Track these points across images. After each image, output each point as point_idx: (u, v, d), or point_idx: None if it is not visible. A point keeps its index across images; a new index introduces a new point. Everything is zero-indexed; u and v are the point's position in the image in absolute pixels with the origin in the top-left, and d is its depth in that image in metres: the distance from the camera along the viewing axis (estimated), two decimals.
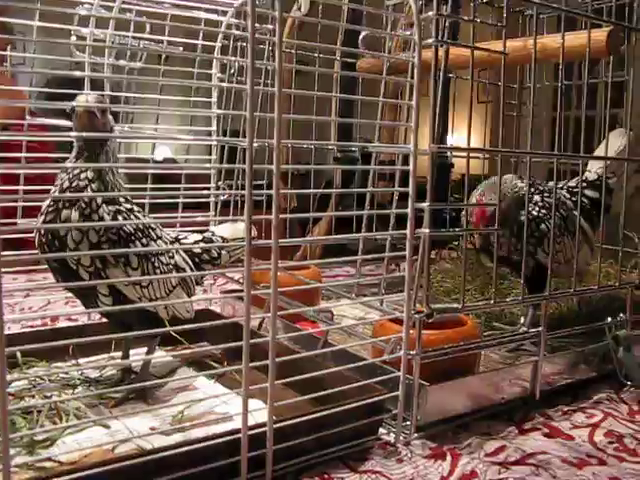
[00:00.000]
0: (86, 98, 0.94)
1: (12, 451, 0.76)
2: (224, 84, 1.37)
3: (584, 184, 1.36)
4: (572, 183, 1.40)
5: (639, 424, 1.07)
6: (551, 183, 1.38)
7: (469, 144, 0.96)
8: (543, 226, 1.25)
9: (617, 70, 1.52)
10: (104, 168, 0.96)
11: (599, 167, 1.36)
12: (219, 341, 1.23)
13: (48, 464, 0.82)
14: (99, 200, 0.94)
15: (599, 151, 1.36)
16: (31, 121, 1.24)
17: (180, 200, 1.35)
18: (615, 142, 1.32)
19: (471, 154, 1.29)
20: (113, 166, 0.97)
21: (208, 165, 1.46)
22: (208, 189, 1.43)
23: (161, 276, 1.00)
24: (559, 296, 1.16)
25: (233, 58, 1.31)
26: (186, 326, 0.96)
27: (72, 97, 0.95)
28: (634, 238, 1.50)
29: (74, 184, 0.94)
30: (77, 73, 1.18)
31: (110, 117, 0.98)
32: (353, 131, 2.07)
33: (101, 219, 0.93)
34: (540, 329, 1.09)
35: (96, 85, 1.23)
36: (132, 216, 0.98)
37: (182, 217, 1.33)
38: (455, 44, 0.94)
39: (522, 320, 1.34)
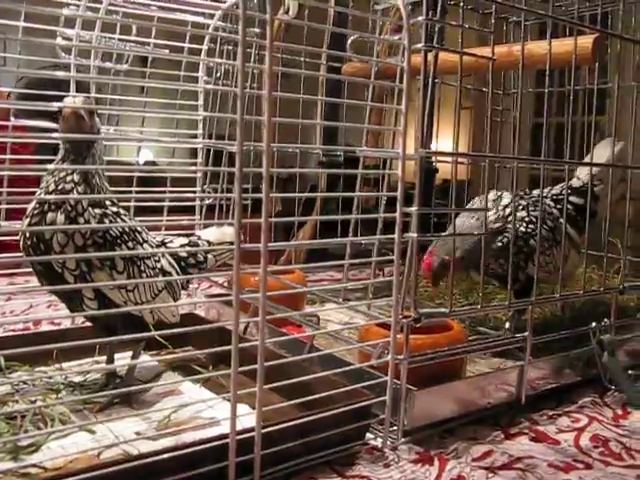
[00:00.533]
0: (73, 100, 0.93)
1: None
2: (210, 86, 1.36)
3: (569, 190, 1.37)
4: (556, 190, 1.41)
5: (624, 428, 1.08)
6: (536, 191, 1.39)
7: (456, 149, 0.96)
8: (532, 241, 1.26)
9: (599, 78, 1.55)
10: (90, 171, 0.95)
11: (587, 174, 1.37)
12: (204, 346, 1.21)
13: (33, 470, 0.81)
14: (85, 203, 0.93)
15: (587, 160, 1.37)
16: (15, 122, 1.22)
17: (165, 204, 1.34)
18: (604, 152, 1.34)
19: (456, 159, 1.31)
20: (100, 168, 0.96)
21: (194, 168, 1.45)
22: (194, 192, 1.42)
23: (147, 280, 0.99)
24: (545, 301, 1.17)
25: (220, 60, 1.31)
26: (172, 330, 0.96)
27: (53, 98, 0.94)
28: (617, 244, 1.51)
29: (60, 187, 0.93)
30: (60, 74, 1.16)
31: (97, 120, 0.97)
32: (338, 136, 2.07)
33: (87, 222, 0.92)
34: (526, 334, 1.10)
35: (80, 87, 1.22)
36: (118, 219, 0.98)
37: (168, 220, 1.32)
38: (444, 49, 0.94)
39: (507, 325, 1.35)
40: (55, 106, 0.89)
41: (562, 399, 1.19)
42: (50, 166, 0.94)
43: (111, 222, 0.96)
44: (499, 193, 1.32)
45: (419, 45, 0.92)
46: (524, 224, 1.29)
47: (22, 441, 0.86)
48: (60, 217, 0.91)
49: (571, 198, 1.38)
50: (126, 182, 1.33)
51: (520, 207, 1.32)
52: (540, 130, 1.21)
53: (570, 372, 1.22)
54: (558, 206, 1.36)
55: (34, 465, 0.82)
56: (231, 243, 1.17)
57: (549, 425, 1.09)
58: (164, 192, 1.36)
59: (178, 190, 1.39)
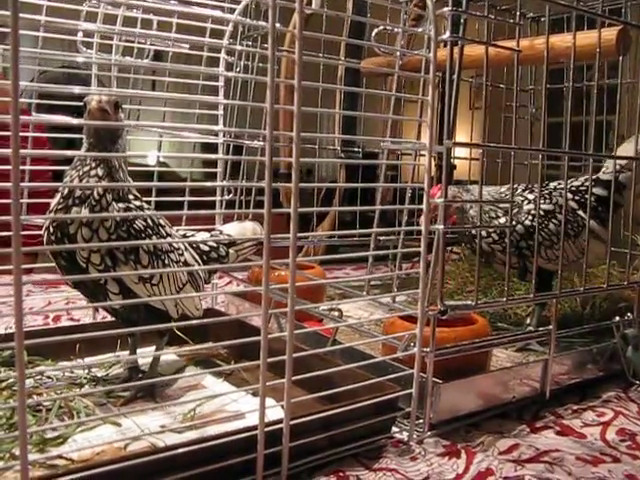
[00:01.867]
0: (100, 97, 0.92)
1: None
2: (237, 74, 1.36)
3: (594, 182, 1.36)
4: (578, 182, 1.40)
5: None
6: (553, 184, 1.39)
7: (485, 140, 0.96)
8: (538, 236, 1.25)
9: (612, 76, 1.54)
10: (114, 165, 0.95)
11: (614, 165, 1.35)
12: (225, 340, 1.23)
13: (60, 462, 0.81)
14: (109, 197, 0.93)
15: (623, 148, 1.35)
16: (33, 118, 1.22)
17: (186, 198, 1.34)
18: (632, 145, 1.32)
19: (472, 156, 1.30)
20: (123, 156, 0.95)
21: (215, 156, 1.43)
22: (214, 190, 1.41)
23: (171, 270, 0.99)
24: (569, 294, 1.16)
25: (247, 48, 1.30)
26: (192, 322, 0.96)
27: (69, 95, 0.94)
28: (637, 240, 1.50)
29: (84, 181, 0.92)
30: (72, 71, 1.16)
31: (121, 115, 0.97)
32: (357, 134, 2.07)
33: (111, 217, 0.92)
34: (550, 327, 1.09)
35: (101, 83, 1.23)
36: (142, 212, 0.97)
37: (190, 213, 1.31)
38: (470, 40, 0.93)
39: (527, 320, 1.35)
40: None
41: (586, 394, 1.18)
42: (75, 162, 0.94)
43: (135, 215, 0.96)
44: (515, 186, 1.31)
45: (445, 36, 0.91)
46: (530, 217, 1.28)
47: (48, 433, 0.86)
48: (85, 211, 0.91)
49: (594, 190, 1.36)
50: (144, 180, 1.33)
51: (526, 201, 1.31)
52: (553, 129, 1.20)
53: (593, 367, 1.21)
54: (576, 197, 1.35)
55: (60, 457, 0.81)
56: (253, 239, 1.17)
57: (574, 419, 1.08)
58: (184, 188, 1.35)
59: (198, 185, 1.38)
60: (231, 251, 1.15)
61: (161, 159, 1.41)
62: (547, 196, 1.33)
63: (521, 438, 1.00)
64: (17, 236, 0.60)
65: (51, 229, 0.92)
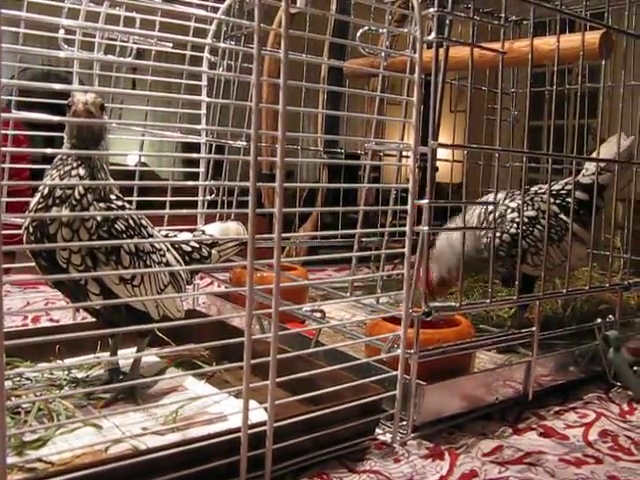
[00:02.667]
0: (85, 98, 0.91)
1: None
2: (215, 72, 1.35)
3: (570, 187, 1.36)
4: (558, 186, 1.40)
5: (631, 424, 1.08)
6: (534, 188, 1.39)
7: (467, 142, 0.96)
8: (524, 243, 1.25)
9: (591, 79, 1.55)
10: (96, 166, 0.93)
11: (594, 167, 1.36)
12: (206, 342, 1.22)
13: (39, 465, 0.79)
14: (90, 197, 0.91)
15: (603, 149, 1.36)
16: (15, 115, 1.20)
17: (168, 198, 1.33)
18: (613, 145, 1.33)
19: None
20: (104, 155, 0.94)
21: (196, 156, 1.42)
22: (196, 190, 1.40)
23: (152, 270, 0.97)
24: (552, 297, 1.17)
25: (227, 45, 1.29)
26: (173, 322, 0.95)
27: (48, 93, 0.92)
28: (617, 243, 1.51)
29: (65, 181, 0.91)
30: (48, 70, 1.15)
31: (105, 117, 0.95)
32: (340, 134, 2.07)
33: (92, 217, 0.90)
34: (533, 329, 1.09)
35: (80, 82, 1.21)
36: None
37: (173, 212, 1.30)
38: (456, 42, 0.93)
39: (510, 322, 1.35)
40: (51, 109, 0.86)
41: (568, 395, 1.19)
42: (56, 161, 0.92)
43: (116, 216, 0.94)
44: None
45: (430, 37, 0.91)
46: (515, 225, 1.29)
47: (27, 436, 0.84)
48: (65, 212, 0.89)
49: (575, 194, 1.36)
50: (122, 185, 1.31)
51: (510, 210, 1.31)
52: (534, 133, 1.20)
53: (575, 369, 1.21)
54: (557, 201, 1.36)
55: (40, 460, 0.80)
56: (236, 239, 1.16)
57: (556, 420, 1.08)
58: (166, 189, 1.34)
59: (181, 184, 1.37)
60: (213, 252, 1.14)
61: (142, 159, 1.39)
62: (529, 202, 1.33)
63: (504, 439, 1.00)
64: None
65: (31, 229, 0.90)
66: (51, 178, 0.92)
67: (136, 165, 1.36)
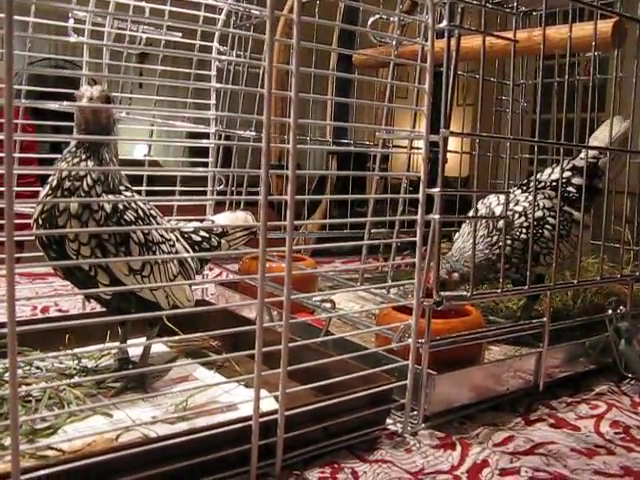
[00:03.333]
0: (91, 91, 0.90)
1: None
2: (228, 57, 1.34)
3: (572, 172, 1.36)
4: (556, 175, 1.36)
5: None
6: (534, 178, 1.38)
7: (477, 130, 0.95)
8: (536, 247, 1.24)
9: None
10: (105, 158, 0.93)
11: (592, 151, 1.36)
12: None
13: (50, 452, 0.79)
14: (99, 189, 0.91)
15: (598, 133, 1.36)
16: (27, 102, 1.20)
17: (177, 188, 1.32)
18: (614, 126, 1.31)
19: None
20: (112, 139, 0.94)
21: (206, 142, 1.41)
22: (205, 180, 1.40)
23: (161, 257, 0.97)
24: (563, 287, 1.16)
25: (237, 31, 1.29)
26: (182, 310, 0.94)
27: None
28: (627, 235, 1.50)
29: (73, 173, 0.90)
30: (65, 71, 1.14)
31: (113, 112, 0.95)
32: (348, 129, 2.06)
33: (101, 208, 0.90)
34: (544, 320, 1.09)
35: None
36: (133, 204, 0.95)
37: (180, 201, 1.29)
38: (468, 29, 0.92)
39: (519, 314, 1.34)
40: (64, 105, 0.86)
41: (579, 386, 1.18)
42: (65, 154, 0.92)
43: (125, 207, 0.94)
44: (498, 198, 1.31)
45: (442, 24, 0.90)
46: (524, 231, 1.27)
47: (38, 424, 0.84)
48: (73, 203, 0.89)
49: (574, 180, 1.35)
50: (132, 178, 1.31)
51: (517, 215, 1.29)
52: (543, 125, 1.20)
53: (585, 360, 1.21)
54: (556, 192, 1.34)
55: (51, 447, 0.80)
56: (245, 228, 1.16)
57: (568, 412, 1.08)
58: (175, 179, 1.34)
59: (190, 171, 1.36)
60: (223, 241, 1.13)
61: (150, 153, 1.39)
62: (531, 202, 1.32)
63: (516, 430, 0.99)
64: (10, 223, 0.58)
65: (40, 221, 0.90)
66: (59, 171, 0.91)
67: (145, 155, 1.36)
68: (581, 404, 1.11)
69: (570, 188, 1.33)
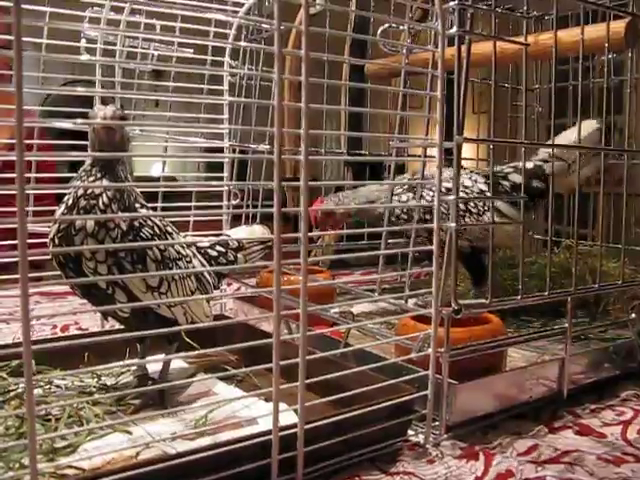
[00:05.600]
0: (104, 112, 0.91)
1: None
2: (240, 70, 1.35)
3: (513, 169, 1.43)
4: (498, 169, 1.44)
5: None
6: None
7: (492, 135, 0.94)
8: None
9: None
10: (120, 176, 0.93)
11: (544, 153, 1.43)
12: (236, 348, 1.21)
13: (70, 471, 0.79)
14: (115, 207, 0.91)
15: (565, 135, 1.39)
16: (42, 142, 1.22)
17: (193, 204, 1.33)
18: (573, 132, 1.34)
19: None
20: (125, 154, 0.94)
21: (221, 156, 1.41)
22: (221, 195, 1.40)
23: (179, 271, 0.97)
24: (584, 292, 1.14)
25: (248, 45, 1.30)
26: (200, 325, 0.94)
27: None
28: None
29: (89, 191, 0.90)
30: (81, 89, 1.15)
31: (126, 130, 0.95)
32: (363, 139, 2.06)
33: (117, 226, 0.90)
34: (566, 325, 1.07)
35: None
36: (149, 221, 0.95)
37: (196, 214, 1.29)
38: (478, 35, 0.92)
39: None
40: (77, 123, 0.85)
41: (604, 392, 1.16)
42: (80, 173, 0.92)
43: (141, 224, 0.94)
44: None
45: (452, 30, 0.90)
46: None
47: (58, 442, 0.84)
48: (90, 222, 0.89)
49: (510, 177, 1.42)
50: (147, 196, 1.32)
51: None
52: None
53: (610, 366, 1.19)
54: (488, 181, 1.37)
55: (70, 466, 0.80)
56: (262, 242, 1.16)
57: (593, 419, 1.06)
58: (190, 195, 1.34)
59: (205, 186, 1.37)
60: (239, 256, 1.13)
61: (166, 170, 1.40)
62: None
63: (540, 439, 0.98)
64: (23, 243, 0.58)
65: (56, 240, 0.90)
66: (75, 189, 0.91)
67: (161, 173, 1.36)
68: (606, 410, 1.09)
69: (504, 182, 1.40)
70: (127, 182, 0.95)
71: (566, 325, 1.07)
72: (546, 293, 1.05)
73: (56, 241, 0.90)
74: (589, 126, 1.37)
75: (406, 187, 1.37)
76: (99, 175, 0.91)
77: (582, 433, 1.00)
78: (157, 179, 1.38)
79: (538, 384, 1.07)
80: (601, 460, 0.91)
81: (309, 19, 0.75)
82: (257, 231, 1.16)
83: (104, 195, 0.90)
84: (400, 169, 1.86)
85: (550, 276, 1.08)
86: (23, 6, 0.56)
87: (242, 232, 1.16)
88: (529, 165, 1.39)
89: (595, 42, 1.12)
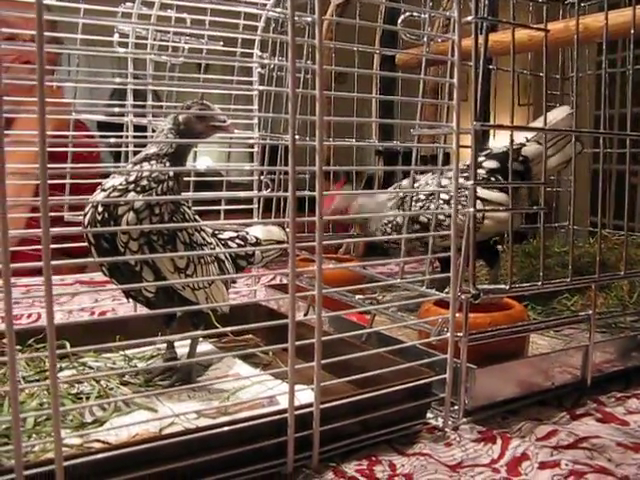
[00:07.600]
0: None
1: (62, 432, 0.76)
2: (267, 62, 1.38)
3: (485, 157, 1.43)
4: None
5: None
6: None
7: (512, 122, 0.95)
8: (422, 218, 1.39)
9: None
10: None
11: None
12: (262, 333, 1.24)
13: (97, 445, 0.83)
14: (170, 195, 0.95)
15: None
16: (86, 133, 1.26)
17: (224, 194, 1.36)
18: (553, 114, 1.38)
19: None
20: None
21: (252, 140, 1.44)
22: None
23: (208, 252, 1.01)
24: (609, 279, 1.13)
25: (277, 36, 1.32)
26: (219, 304, 0.98)
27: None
28: None
29: (154, 175, 0.94)
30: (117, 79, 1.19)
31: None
32: (394, 127, 2.07)
33: (160, 213, 0.94)
34: (590, 312, 1.07)
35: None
36: (180, 209, 0.99)
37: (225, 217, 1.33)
38: (495, 21, 0.92)
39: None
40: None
41: (630, 381, 1.15)
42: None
43: (173, 211, 0.97)
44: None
45: (469, 18, 0.90)
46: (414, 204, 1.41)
47: (86, 418, 0.88)
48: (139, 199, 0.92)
49: (485, 164, 1.42)
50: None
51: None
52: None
53: (638, 354, 1.17)
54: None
55: (98, 440, 0.84)
56: (278, 242, 1.18)
57: (617, 407, 1.05)
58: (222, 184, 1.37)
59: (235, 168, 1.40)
60: (257, 252, 1.16)
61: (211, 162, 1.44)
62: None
63: (560, 425, 0.98)
64: (46, 217, 0.62)
65: (100, 208, 0.93)
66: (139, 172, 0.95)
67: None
68: (632, 399, 1.08)
69: (480, 170, 1.40)
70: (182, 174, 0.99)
71: (590, 312, 1.07)
72: (568, 279, 1.05)
73: (99, 209, 0.93)
74: (562, 111, 1.39)
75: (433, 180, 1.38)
76: (168, 164, 0.96)
77: (604, 421, 1.00)
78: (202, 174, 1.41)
79: (561, 371, 1.06)
80: (620, 446, 0.90)
81: (334, 11, 0.77)
82: (274, 231, 1.19)
83: (166, 182, 0.95)
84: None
85: (584, 266, 1.08)
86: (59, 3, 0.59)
87: (260, 230, 1.19)
88: (499, 150, 1.42)
89: (622, 27, 1.10)
